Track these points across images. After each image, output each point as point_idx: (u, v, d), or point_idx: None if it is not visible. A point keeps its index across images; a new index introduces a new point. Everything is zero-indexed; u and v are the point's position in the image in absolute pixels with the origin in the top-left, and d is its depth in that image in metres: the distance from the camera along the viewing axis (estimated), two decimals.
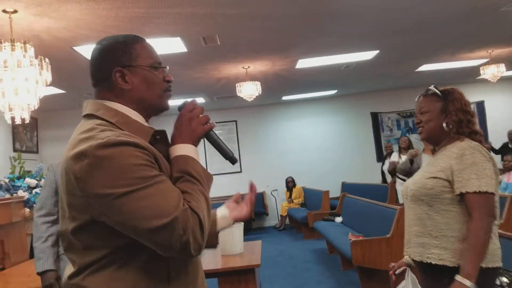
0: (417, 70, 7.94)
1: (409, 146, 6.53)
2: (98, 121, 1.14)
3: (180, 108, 1.27)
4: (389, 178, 8.31)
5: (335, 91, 9.57)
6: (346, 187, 9.32)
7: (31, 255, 3.55)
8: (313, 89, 9.05)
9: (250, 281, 3.25)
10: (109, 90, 1.19)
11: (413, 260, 1.87)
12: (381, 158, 9.83)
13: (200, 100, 8.75)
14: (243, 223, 3.89)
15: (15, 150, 7.40)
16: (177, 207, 1.05)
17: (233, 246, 3.70)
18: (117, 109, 1.18)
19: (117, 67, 1.18)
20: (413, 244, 1.84)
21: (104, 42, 1.23)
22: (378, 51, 6.31)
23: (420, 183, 1.81)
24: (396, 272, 1.96)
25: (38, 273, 2.36)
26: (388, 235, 4.24)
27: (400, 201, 6.99)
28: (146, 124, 1.22)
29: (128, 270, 1.09)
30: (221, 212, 1.37)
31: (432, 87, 1.90)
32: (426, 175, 1.81)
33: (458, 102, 1.83)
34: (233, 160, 1.29)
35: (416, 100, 1.95)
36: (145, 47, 1.24)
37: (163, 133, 1.24)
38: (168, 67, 1.29)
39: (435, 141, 1.90)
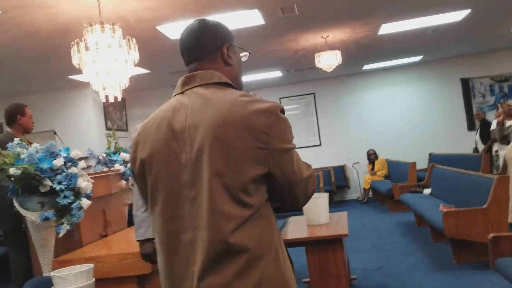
0: None
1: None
2: (241, 91, 1.28)
3: None
4: (481, 147, 7.81)
5: (421, 57, 9.04)
6: (434, 158, 8.88)
7: (128, 224, 3.80)
8: (397, 56, 8.60)
9: (338, 250, 3.23)
10: (213, 62, 1.31)
11: None
12: (472, 126, 9.23)
13: (277, 73, 8.72)
14: (327, 193, 3.87)
15: (107, 128, 7.93)
16: (309, 165, 1.32)
17: (318, 217, 3.69)
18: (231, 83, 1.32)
19: (227, 43, 1.33)
20: None
21: (208, 21, 1.34)
22: (469, 10, 5.82)
23: None
24: None
25: (139, 241, 2.47)
26: (484, 206, 3.98)
27: (495, 171, 6.55)
28: None
29: (269, 220, 1.24)
30: None
31: None
32: None
33: None
34: None
35: None
36: None
37: None
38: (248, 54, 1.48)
39: None
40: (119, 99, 3.78)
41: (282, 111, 1.22)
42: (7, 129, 3.70)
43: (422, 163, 8.97)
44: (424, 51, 8.50)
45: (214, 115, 1.17)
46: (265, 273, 1.16)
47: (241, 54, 1.43)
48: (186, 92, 1.28)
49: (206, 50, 1.31)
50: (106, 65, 3.56)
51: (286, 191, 1.24)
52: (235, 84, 1.32)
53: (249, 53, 1.48)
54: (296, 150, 1.28)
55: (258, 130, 1.15)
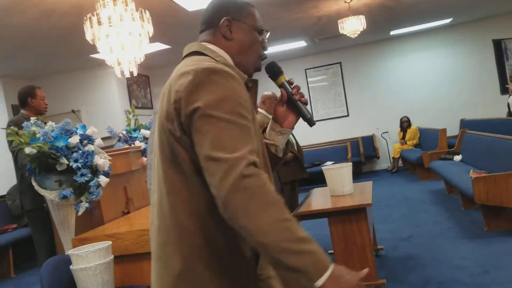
0: None
1: None
2: (206, 57, 1.22)
3: (269, 70, 1.39)
4: None
5: (450, 19, 8.62)
6: (466, 124, 8.58)
7: None
8: (425, 19, 8.23)
9: (361, 220, 3.14)
10: (213, 35, 1.29)
11: None
12: (505, 90, 8.82)
13: (301, 44, 8.50)
14: (351, 163, 3.75)
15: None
16: (241, 152, 1.02)
17: (341, 187, 3.60)
18: (219, 53, 1.26)
19: (228, 16, 1.28)
20: None
21: None
22: None
23: None
24: None
25: None
26: None
27: None
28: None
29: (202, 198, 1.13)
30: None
31: None
32: None
33: None
34: (311, 122, 1.37)
35: None
36: (255, 12, 1.34)
37: (255, 82, 1.34)
38: (269, 32, 1.37)
39: None
40: (135, 74, 3.74)
41: (215, 73, 1.10)
42: (21, 111, 3.73)
43: (453, 130, 8.69)
44: (453, 13, 8.10)
45: (168, 83, 1.20)
46: (183, 256, 1.12)
47: (263, 40, 1.35)
48: None
49: (209, 21, 1.31)
50: (120, 39, 3.50)
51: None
52: (237, 62, 1.27)
53: (268, 31, 1.39)
54: (234, 124, 1.06)
55: (174, 90, 1.13)
